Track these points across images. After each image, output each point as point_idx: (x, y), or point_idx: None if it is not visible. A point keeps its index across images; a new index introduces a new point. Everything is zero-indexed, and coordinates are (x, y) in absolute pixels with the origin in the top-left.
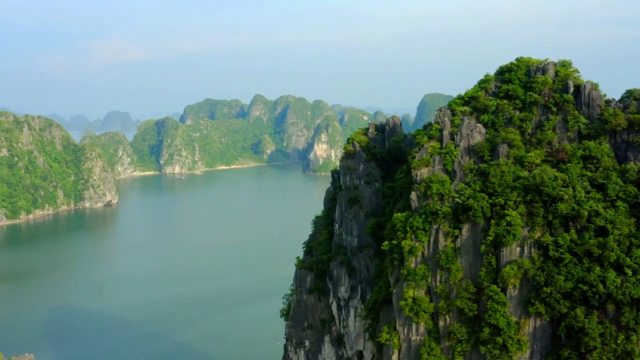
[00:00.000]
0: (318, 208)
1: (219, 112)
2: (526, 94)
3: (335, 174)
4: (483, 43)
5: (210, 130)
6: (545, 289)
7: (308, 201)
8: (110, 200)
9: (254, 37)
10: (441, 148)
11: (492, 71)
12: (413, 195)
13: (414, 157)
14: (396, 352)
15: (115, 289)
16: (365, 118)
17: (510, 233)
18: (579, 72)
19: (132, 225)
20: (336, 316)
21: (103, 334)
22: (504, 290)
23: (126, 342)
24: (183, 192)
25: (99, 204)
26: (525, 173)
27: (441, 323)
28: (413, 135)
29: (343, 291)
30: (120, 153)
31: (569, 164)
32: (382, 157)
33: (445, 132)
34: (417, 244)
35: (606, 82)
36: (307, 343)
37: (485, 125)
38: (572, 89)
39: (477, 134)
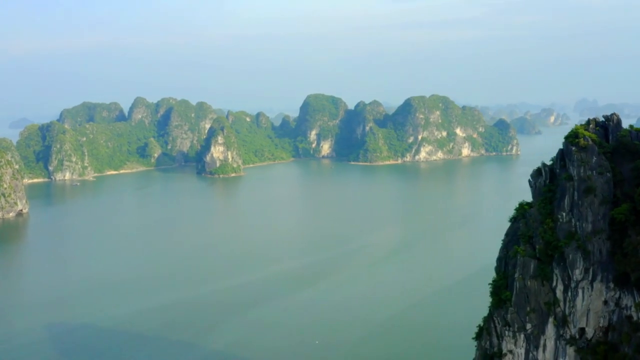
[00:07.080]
0: (244, 213)
1: (98, 115)
2: None
3: (545, 167)
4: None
5: (96, 135)
6: None
7: (224, 204)
8: (22, 210)
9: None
10: None
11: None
12: None
13: None
14: None
15: (84, 302)
16: (248, 119)
17: None
18: None
19: (56, 235)
20: (561, 298)
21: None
22: None
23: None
24: (86, 199)
25: (11, 214)
26: None
27: None
28: (637, 131)
29: (577, 274)
30: (9, 160)
31: None
32: (609, 150)
33: None
34: None
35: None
36: (528, 326)
37: None
38: None
39: None
